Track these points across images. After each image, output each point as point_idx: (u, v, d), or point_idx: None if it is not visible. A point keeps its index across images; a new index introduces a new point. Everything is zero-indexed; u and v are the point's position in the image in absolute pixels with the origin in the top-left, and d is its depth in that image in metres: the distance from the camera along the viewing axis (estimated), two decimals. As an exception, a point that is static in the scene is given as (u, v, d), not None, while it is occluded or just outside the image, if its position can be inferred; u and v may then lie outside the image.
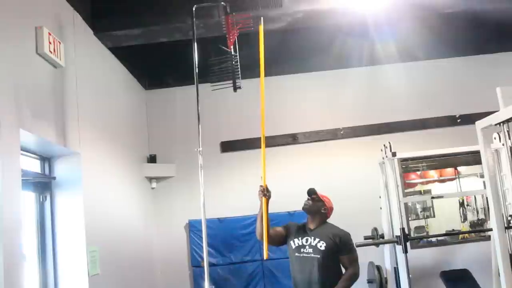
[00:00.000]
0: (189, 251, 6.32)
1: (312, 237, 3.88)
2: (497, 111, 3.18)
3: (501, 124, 3.08)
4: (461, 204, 7.17)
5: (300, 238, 3.93)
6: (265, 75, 6.51)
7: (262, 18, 3.70)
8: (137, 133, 6.11)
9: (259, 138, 6.37)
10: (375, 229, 5.67)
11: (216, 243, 6.16)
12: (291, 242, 3.95)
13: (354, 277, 3.82)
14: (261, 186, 3.72)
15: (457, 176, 7.16)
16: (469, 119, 5.92)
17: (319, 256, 3.79)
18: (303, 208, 3.98)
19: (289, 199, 5.83)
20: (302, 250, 3.88)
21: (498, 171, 4.19)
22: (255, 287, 6.14)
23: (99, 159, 4.46)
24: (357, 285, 3.90)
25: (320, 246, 3.81)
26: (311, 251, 3.83)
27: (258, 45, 3.52)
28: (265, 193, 3.69)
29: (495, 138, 4.28)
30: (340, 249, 3.84)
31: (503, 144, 3.39)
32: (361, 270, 3.99)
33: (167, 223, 6.39)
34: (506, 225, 3.50)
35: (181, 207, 6.37)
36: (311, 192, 3.99)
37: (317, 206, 3.95)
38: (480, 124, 3.38)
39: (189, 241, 6.32)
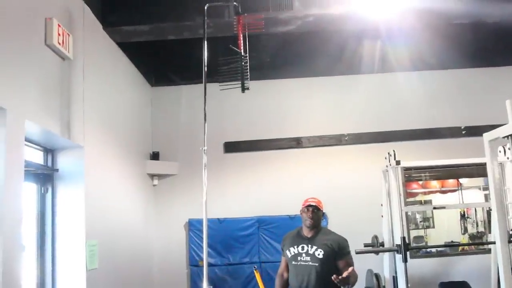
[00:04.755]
0: (188, 250, 6.30)
1: (309, 245, 3.86)
2: (503, 124, 3.16)
3: (509, 137, 3.06)
4: (462, 216, 7.13)
5: (295, 246, 3.91)
6: (272, 78, 6.58)
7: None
8: (141, 129, 6.10)
9: (264, 140, 6.41)
10: (376, 237, 5.64)
11: (215, 243, 6.14)
12: (287, 251, 3.95)
13: (356, 277, 3.76)
14: None
15: (459, 188, 7.11)
16: (474, 131, 5.90)
17: (317, 264, 3.77)
18: (307, 226, 3.92)
19: (290, 203, 5.82)
20: (298, 258, 3.86)
21: (502, 184, 4.16)
22: (252, 289, 6.12)
23: (102, 153, 4.45)
24: (355, 292, 3.87)
25: (318, 254, 3.80)
26: (309, 259, 3.81)
27: (267, 48, 3.51)
28: None
29: (500, 151, 4.25)
30: (338, 254, 3.82)
31: (507, 158, 3.36)
32: (360, 277, 3.96)
33: (167, 221, 6.37)
34: (508, 239, 3.47)
35: (181, 206, 6.35)
36: (312, 206, 3.93)
37: (318, 217, 3.94)
38: (488, 136, 3.36)
39: (188, 240, 6.30)
